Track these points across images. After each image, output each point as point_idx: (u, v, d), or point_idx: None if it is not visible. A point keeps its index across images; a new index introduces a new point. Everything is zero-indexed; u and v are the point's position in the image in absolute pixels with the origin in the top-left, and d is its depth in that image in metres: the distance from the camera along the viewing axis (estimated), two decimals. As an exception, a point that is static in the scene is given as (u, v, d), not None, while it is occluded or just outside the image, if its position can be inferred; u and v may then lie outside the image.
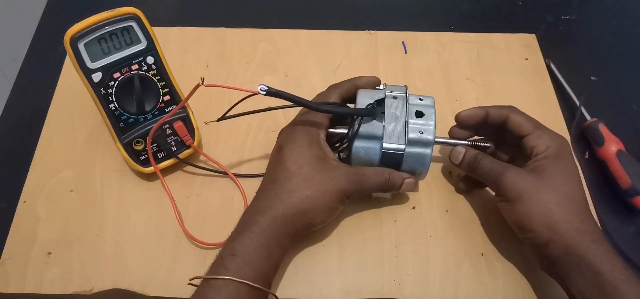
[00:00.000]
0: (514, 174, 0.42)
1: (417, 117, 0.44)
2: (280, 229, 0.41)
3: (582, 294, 0.38)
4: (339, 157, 0.47)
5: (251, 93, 0.42)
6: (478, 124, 0.47)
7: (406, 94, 0.46)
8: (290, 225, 0.41)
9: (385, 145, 0.43)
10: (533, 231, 0.40)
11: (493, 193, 0.46)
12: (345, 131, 0.45)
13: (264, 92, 0.40)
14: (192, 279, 0.40)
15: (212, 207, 0.49)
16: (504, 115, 0.45)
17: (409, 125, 0.44)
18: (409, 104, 0.45)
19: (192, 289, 0.39)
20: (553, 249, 0.40)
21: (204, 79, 0.40)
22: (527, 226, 0.41)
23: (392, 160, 0.44)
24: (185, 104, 0.50)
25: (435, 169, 0.52)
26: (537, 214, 0.40)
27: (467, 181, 0.50)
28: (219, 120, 0.45)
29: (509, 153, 0.48)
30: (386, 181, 0.44)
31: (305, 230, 0.43)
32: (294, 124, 0.46)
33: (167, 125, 0.48)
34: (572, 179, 0.42)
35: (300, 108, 0.47)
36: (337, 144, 0.47)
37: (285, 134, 0.45)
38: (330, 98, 0.46)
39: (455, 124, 0.48)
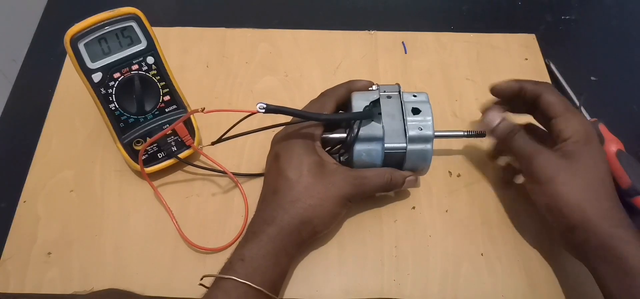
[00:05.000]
0: (546, 156, 0.42)
1: (414, 114, 0.44)
2: (287, 239, 0.41)
3: (606, 279, 0.39)
4: (339, 161, 0.47)
5: (249, 113, 0.42)
6: (512, 96, 0.46)
7: (400, 92, 0.46)
8: (296, 234, 0.41)
9: (387, 145, 0.43)
10: (563, 215, 0.40)
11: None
12: (342, 135, 0.45)
13: (263, 111, 0.40)
14: (203, 278, 0.40)
15: (212, 207, 0.49)
16: (537, 92, 0.45)
17: (408, 122, 0.44)
18: (404, 102, 0.45)
19: (196, 289, 0.39)
20: (579, 234, 0.40)
21: (204, 108, 0.43)
22: (557, 210, 0.41)
23: (394, 159, 0.44)
24: (186, 104, 0.50)
25: (435, 169, 0.51)
26: (567, 199, 0.40)
27: (508, 171, 0.50)
28: (213, 143, 0.46)
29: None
30: (388, 181, 0.44)
31: (311, 238, 0.43)
32: (287, 132, 0.45)
33: (167, 125, 0.48)
34: (601, 165, 0.42)
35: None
36: (335, 148, 0.47)
37: (281, 143, 0.45)
38: (326, 106, 0.46)
39: (491, 92, 0.48)
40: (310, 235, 0.43)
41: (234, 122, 0.44)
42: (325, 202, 0.42)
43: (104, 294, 0.44)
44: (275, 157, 0.45)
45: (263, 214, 0.42)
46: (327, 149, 0.46)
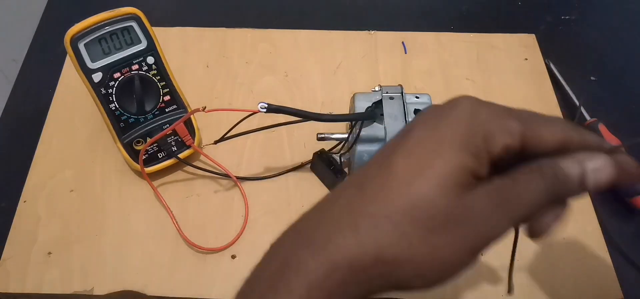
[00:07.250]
0: None
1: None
2: (339, 290, 0.22)
3: None
4: (340, 162, 0.47)
5: (250, 112, 0.42)
6: None
7: (402, 93, 0.46)
8: (366, 284, 0.22)
9: None
10: None
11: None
12: (343, 135, 0.45)
13: (265, 110, 0.40)
14: None
15: (212, 207, 0.49)
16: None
17: None
18: (406, 103, 0.45)
19: (196, 289, 0.39)
20: None
21: (205, 107, 0.43)
22: None
23: None
24: (187, 104, 0.50)
25: (435, 169, 0.52)
26: None
27: None
28: (216, 143, 0.45)
29: None
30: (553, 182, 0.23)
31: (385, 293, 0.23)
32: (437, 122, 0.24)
33: (167, 125, 0.48)
34: None
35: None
36: (336, 148, 0.47)
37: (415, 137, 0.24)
38: None
39: None
40: (383, 289, 0.23)
41: (235, 122, 0.44)
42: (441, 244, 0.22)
43: (118, 296, 0.44)
44: (403, 134, 0.24)
45: (309, 232, 0.23)
46: (328, 149, 0.46)
